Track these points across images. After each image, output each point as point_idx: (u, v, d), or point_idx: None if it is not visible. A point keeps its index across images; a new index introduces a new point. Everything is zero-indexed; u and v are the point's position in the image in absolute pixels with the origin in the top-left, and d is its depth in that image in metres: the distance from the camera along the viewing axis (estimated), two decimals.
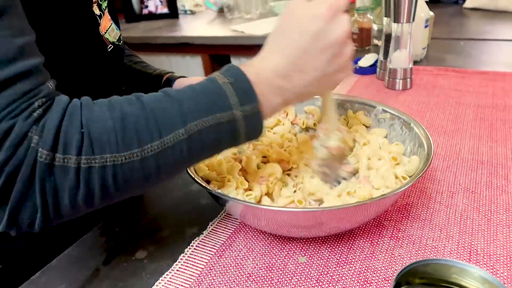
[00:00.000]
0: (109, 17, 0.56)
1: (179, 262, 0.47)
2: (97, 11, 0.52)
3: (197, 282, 0.44)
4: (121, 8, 2.29)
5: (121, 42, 0.58)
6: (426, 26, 1.01)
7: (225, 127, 0.38)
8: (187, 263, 0.46)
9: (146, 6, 2.25)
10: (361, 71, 1.00)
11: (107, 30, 0.55)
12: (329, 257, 0.45)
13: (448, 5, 1.64)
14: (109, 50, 0.55)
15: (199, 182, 0.46)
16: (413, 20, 0.83)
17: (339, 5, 0.40)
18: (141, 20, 2.24)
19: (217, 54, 1.91)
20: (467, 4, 1.54)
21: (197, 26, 2.06)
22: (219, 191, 0.47)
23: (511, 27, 1.30)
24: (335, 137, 0.52)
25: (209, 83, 0.39)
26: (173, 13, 2.23)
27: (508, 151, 0.62)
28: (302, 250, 0.47)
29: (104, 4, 0.54)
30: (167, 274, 0.45)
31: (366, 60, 1.02)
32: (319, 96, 0.52)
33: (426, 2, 1.01)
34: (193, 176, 0.47)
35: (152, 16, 2.24)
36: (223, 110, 0.37)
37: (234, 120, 0.38)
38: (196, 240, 0.50)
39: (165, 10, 2.24)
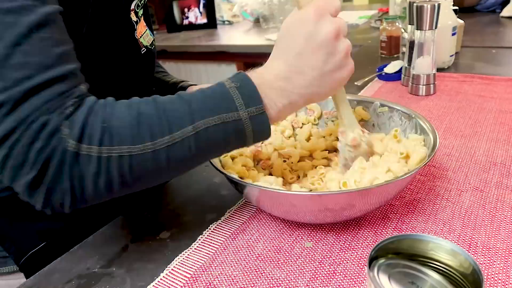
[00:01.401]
0: (144, 24, 0.63)
1: (197, 241, 0.52)
2: (134, 18, 0.59)
3: (212, 259, 0.49)
4: (163, 19, 2.43)
5: (154, 46, 0.65)
6: (453, 34, 1.02)
7: (231, 127, 0.42)
8: (204, 243, 0.51)
9: (187, 17, 2.36)
10: (387, 77, 1.02)
11: (142, 35, 0.62)
12: (334, 243, 0.49)
13: (484, 13, 1.62)
14: (142, 52, 0.62)
15: (221, 170, 0.51)
16: (436, 27, 0.85)
17: (325, 8, 0.44)
18: (181, 30, 2.36)
19: (251, 62, 1.97)
20: (504, 13, 1.51)
21: (234, 35, 2.14)
22: (236, 176, 0.51)
23: None
24: (351, 134, 0.55)
25: (217, 87, 0.43)
26: (212, 23, 2.33)
27: None
28: (309, 236, 0.51)
29: (140, 12, 0.61)
30: (185, 251, 0.50)
31: (392, 67, 1.04)
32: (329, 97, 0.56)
33: (454, 10, 1.03)
34: (215, 166, 0.52)
35: (192, 26, 2.35)
36: (229, 110, 0.41)
37: (240, 120, 0.42)
38: (213, 224, 0.55)
39: (204, 20, 2.35)
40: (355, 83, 1.00)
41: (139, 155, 0.39)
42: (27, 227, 0.65)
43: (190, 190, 0.65)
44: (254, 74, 0.44)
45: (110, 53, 0.57)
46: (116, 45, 0.58)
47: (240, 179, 0.50)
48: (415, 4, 0.84)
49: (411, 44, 0.93)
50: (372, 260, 0.31)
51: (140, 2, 0.60)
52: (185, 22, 2.36)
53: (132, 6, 0.58)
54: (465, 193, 0.55)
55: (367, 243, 0.48)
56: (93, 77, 0.45)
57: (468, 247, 0.46)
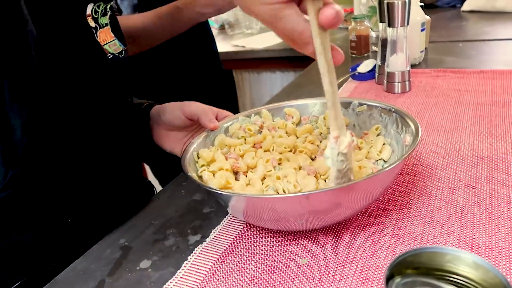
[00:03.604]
0: (112, 34, 0.59)
1: (182, 269, 0.47)
2: (92, 24, 0.55)
3: None
4: None
5: (124, 55, 0.61)
6: (422, 30, 1.02)
7: None
8: (191, 270, 0.47)
9: None
10: (360, 77, 1.01)
11: (107, 43, 0.57)
12: (331, 257, 0.46)
13: (445, 9, 1.65)
14: (109, 58, 0.57)
15: (198, 181, 0.48)
16: (408, 23, 0.84)
17: None
18: None
19: None
20: (464, 7, 1.55)
21: None
22: (218, 189, 0.48)
23: (509, 26, 1.30)
24: (345, 139, 0.44)
25: None
26: None
27: (508, 145, 0.62)
28: (304, 252, 0.47)
29: (103, 20, 0.57)
30: (170, 281, 0.46)
31: (365, 66, 1.03)
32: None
33: (421, 6, 1.03)
34: (192, 177, 0.49)
35: None
36: None
37: None
38: (199, 247, 0.50)
39: None
40: None
41: None
42: None
43: (169, 210, 0.60)
44: None
45: (69, 57, 0.52)
46: (75, 49, 0.53)
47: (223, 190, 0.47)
48: (386, 1, 0.82)
49: (384, 42, 0.92)
50: (388, 280, 0.28)
51: (98, 8, 0.55)
52: None
53: (88, 12, 0.54)
54: (457, 191, 0.54)
55: (365, 254, 0.45)
56: (62, 85, 0.38)
57: (470, 248, 0.44)
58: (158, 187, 1.31)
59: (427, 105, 0.80)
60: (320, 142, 0.63)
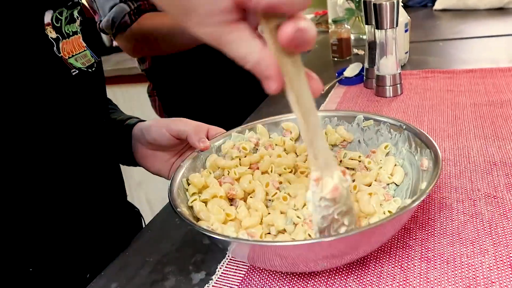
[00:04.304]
0: (84, 44, 0.52)
1: None
2: (52, 34, 0.47)
3: None
4: None
5: (94, 68, 0.53)
6: (406, 31, 1.00)
7: None
8: None
9: None
10: (347, 81, 0.98)
11: (74, 55, 0.50)
12: None
13: (417, 8, 1.66)
14: (73, 74, 0.50)
15: (191, 221, 0.42)
16: (397, 25, 0.81)
17: None
18: (112, 52, 2.19)
19: None
20: (436, 6, 1.56)
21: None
22: (214, 233, 0.41)
23: (483, 24, 1.31)
24: (330, 180, 0.36)
25: None
26: None
27: None
28: (327, 285, 0.42)
29: (71, 28, 0.50)
30: None
31: (351, 70, 1.00)
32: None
33: (402, 6, 1.01)
34: (184, 215, 0.43)
35: None
36: None
37: None
38: None
39: None
40: None
41: None
42: None
43: (165, 243, 0.53)
44: None
45: (27, 74, 0.45)
46: (31, 63, 0.46)
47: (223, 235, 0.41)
48: (373, 3, 0.79)
49: (371, 44, 0.89)
50: None
51: (61, 16, 0.48)
52: (115, 44, 2.20)
53: (47, 20, 0.46)
54: (478, 202, 0.50)
55: (397, 283, 0.41)
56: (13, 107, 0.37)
57: (510, 270, 0.40)
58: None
59: (423, 108, 0.77)
60: None
